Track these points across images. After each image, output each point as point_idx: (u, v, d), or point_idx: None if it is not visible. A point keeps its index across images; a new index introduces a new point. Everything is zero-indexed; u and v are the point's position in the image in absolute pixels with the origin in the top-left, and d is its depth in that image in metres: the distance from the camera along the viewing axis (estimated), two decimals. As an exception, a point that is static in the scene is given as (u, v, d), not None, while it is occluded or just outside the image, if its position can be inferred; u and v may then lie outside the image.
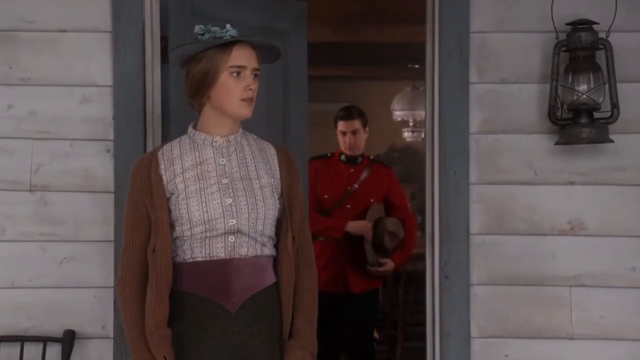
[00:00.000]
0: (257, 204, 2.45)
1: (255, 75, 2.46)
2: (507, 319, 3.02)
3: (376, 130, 5.72)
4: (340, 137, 4.55)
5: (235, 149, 2.50)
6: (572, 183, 3.02)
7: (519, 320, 3.02)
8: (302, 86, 3.50)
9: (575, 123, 2.93)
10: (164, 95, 3.03)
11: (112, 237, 2.96)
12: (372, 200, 4.44)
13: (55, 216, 2.99)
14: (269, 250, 2.49)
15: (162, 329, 2.40)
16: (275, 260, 2.51)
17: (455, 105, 3.04)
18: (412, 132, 7.75)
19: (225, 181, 2.45)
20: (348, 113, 4.55)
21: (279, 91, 3.40)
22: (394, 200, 4.52)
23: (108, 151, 2.99)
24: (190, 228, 2.42)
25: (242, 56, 2.43)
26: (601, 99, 2.93)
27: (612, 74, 2.92)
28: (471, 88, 3.03)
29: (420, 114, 7.40)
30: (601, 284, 3.00)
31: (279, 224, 2.51)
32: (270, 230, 2.49)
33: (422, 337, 3.72)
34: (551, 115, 2.96)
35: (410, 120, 7.68)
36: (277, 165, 2.53)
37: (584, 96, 2.90)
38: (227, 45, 2.43)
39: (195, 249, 2.44)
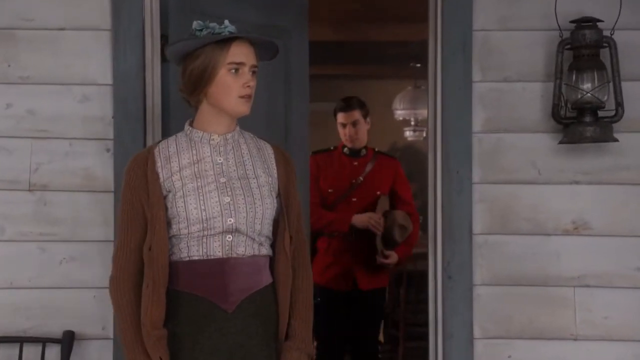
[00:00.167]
0: (255, 203, 2.43)
1: (254, 72, 2.44)
2: (510, 319, 3.00)
3: (377, 129, 5.69)
4: (340, 129, 4.44)
5: (233, 147, 2.48)
6: (576, 182, 3.00)
7: (523, 321, 3.00)
8: (304, 85, 3.48)
9: (580, 122, 2.91)
10: (164, 94, 3.01)
11: (111, 237, 2.93)
12: (378, 192, 4.35)
13: (55, 216, 2.97)
14: (266, 250, 2.48)
15: (158, 329, 2.38)
16: (272, 260, 2.49)
17: (458, 104, 3.02)
18: (414, 131, 7.73)
19: (222, 180, 2.43)
20: (347, 104, 4.43)
21: (280, 90, 3.38)
22: (400, 193, 4.41)
23: (108, 150, 2.98)
24: (188, 226, 2.40)
25: (240, 53, 2.41)
26: (605, 98, 2.91)
27: (616, 72, 2.90)
28: (474, 87, 3.01)
29: (422, 113, 7.39)
30: (605, 285, 2.98)
31: (276, 224, 2.49)
32: (267, 229, 2.47)
33: (424, 337, 3.71)
34: (555, 114, 2.94)
35: (412, 119, 7.67)
36: (274, 164, 2.51)
37: (588, 95, 2.88)
38: (225, 41, 2.41)
39: (192, 248, 2.41)
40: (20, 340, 2.91)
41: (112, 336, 2.94)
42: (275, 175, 2.50)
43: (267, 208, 2.45)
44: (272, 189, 2.48)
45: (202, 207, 2.40)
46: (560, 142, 2.96)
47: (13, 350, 2.92)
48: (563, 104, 2.94)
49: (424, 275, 4.26)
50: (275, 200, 2.49)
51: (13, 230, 2.97)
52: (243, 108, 2.44)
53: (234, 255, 2.41)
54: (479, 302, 3.00)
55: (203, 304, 2.40)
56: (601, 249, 2.99)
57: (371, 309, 4.38)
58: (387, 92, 7.83)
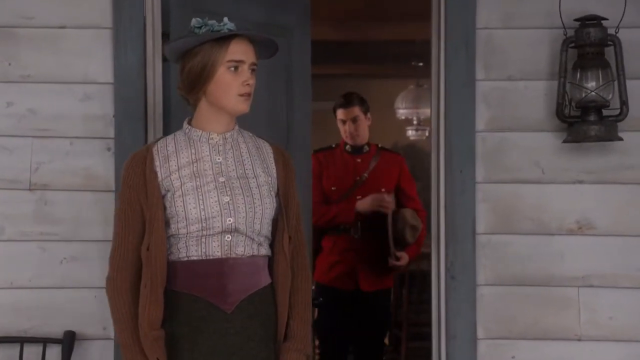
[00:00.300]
0: (254, 203, 2.41)
1: (253, 70, 2.42)
2: (514, 320, 2.98)
3: (379, 128, 5.67)
4: (340, 126, 4.36)
5: (232, 146, 2.47)
6: (580, 182, 2.99)
7: (526, 322, 2.98)
8: (306, 84, 3.47)
9: (584, 121, 2.89)
10: (166, 92, 2.99)
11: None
12: (383, 189, 4.27)
13: (55, 215, 2.96)
14: (265, 250, 2.46)
15: (156, 329, 2.36)
16: (271, 260, 2.48)
17: (461, 102, 3.01)
18: (416, 130, 7.72)
19: (221, 179, 2.42)
20: (347, 100, 4.34)
21: (282, 89, 3.37)
22: (406, 189, 4.33)
23: (109, 149, 2.96)
24: (186, 226, 2.39)
25: (240, 50, 2.39)
26: (610, 96, 2.89)
27: (621, 71, 2.88)
28: (477, 85, 3.00)
29: (425, 112, 7.37)
30: (610, 285, 2.97)
31: (275, 224, 2.48)
32: (267, 229, 2.46)
33: (427, 338, 3.69)
34: (559, 112, 2.92)
35: (415, 118, 7.65)
36: (273, 164, 2.50)
37: (593, 93, 2.86)
38: (225, 39, 2.39)
39: (191, 248, 2.40)
40: (21, 341, 2.90)
41: (113, 336, 2.92)
42: (275, 175, 2.49)
43: (266, 208, 2.43)
44: (271, 189, 2.47)
45: (202, 207, 2.38)
46: (564, 141, 2.94)
47: (14, 350, 2.90)
48: (567, 103, 2.92)
49: (426, 275, 4.24)
50: (274, 200, 2.47)
51: (13, 229, 2.95)
52: (242, 106, 2.42)
53: (233, 255, 2.40)
54: (483, 302, 2.99)
55: (201, 305, 2.38)
56: (605, 248, 2.97)
57: (374, 310, 4.31)
58: (389, 91, 7.81)
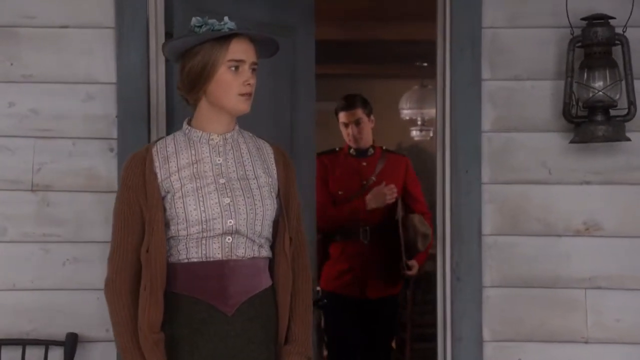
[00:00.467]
0: (255, 204, 2.40)
1: (254, 70, 2.40)
2: (520, 322, 2.96)
3: (383, 129, 5.65)
4: (342, 129, 4.25)
5: (232, 147, 2.45)
6: (587, 182, 2.96)
7: (533, 324, 2.96)
8: (310, 84, 3.45)
9: (591, 121, 2.87)
10: (169, 92, 2.98)
11: (115, 238, 2.90)
12: (386, 185, 4.15)
13: (58, 216, 2.94)
14: (265, 252, 2.45)
15: (156, 332, 2.34)
16: (271, 262, 2.46)
17: (466, 102, 2.99)
18: (421, 130, 7.70)
19: (222, 181, 2.40)
20: (349, 102, 4.23)
21: (286, 89, 3.35)
22: (413, 191, 4.25)
23: (111, 150, 2.94)
24: (187, 227, 2.37)
25: (240, 50, 2.37)
26: (618, 96, 2.87)
27: (629, 70, 2.86)
28: (483, 85, 2.97)
29: (429, 112, 7.35)
30: (617, 286, 2.94)
31: (275, 225, 2.46)
32: (267, 231, 2.44)
33: (431, 339, 3.67)
34: (566, 112, 2.90)
35: (419, 118, 7.63)
36: (273, 164, 2.48)
37: (600, 93, 2.84)
38: (225, 38, 2.37)
39: (191, 249, 2.38)
40: (23, 343, 2.88)
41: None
42: (275, 176, 2.47)
43: (267, 209, 2.42)
44: (272, 190, 2.45)
45: (202, 208, 2.36)
46: (571, 142, 2.92)
47: (15, 352, 2.89)
48: (574, 103, 2.90)
49: (430, 276, 4.21)
50: (275, 201, 2.45)
51: (15, 231, 2.94)
52: (243, 106, 2.40)
53: (234, 257, 2.38)
54: (489, 304, 2.96)
55: (202, 307, 2.36)
56: (613, 250, 2.95)
57: (382, 317, 4.24)
58: (393, 92, 7.79)
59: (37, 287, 2.93)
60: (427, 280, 5.30)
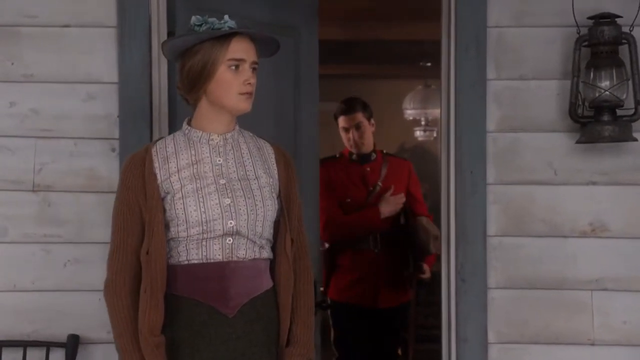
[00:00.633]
0: (256, 205, 2.37)
1: (254, 69, 2.38)
2: (525, 324, 2.94)
3: (386, 130, 5.63)
4: (343, 134, 4.14)
5: (232, 147, 2.43)
6: (593, 183, 2.94)
7: (538, 326, 2.94)
8: (313, 84, 3.43)
9: (597, 121, 2.84)
10: (171, 92, 2.96)
11: (117, 239, 2.88)
12: (395, 193, 4.07)
13: (59, 217, 2.92)
14: (266, 253, 2.42)
15: (156, 335, 2.32)
16: (273, 263, 2.43)
17: (471, 102, 2.96)
18: (424, 131, 7.68)
19: (222, 181, 2.38)
20: (349, 106, 4.12)
21: (289, 89, 3.33)
22: (415, 194, 4.17)
23: (113, 150, 2.93)
24: (187, 229, 2.34)
25: (240, 49, 2.35)
26: (624, 96, 2.85)
27: (635, 70, 2.84)
28: (488, 85, 2.95)
29: (433, 112, 7.33)
30: (624, 288, 2.92)
31: (276, 226, 2.44)
32: (268, 232, 2.42)
33: (435, 340, 3.65)
34: (572, 112, 2.88)
35: (423, 119, 7.61)
36: (274, 164, 2.46)
37: (607, 93, 2.82)
38: (225, 37, 2.35)
39: (191, 251, 2.35)
40: (24, 345, 2.86)
41: (116, 341, 2.89)
42: (276, 176, 2.45)
43: (268, 210, 2.39)
44: (272, 190, 2.43)
45: (202, 209, 2.34)
46: (578, 142, 2.89)
47: (16, 354, 2.87)
48: (580, 103, 2.88)
49: (434, 277, 4.17)
50: (276, 202, 2.43)
51: (16, 231, 2.92)
52: (244, 105, 2.37)
53: (235, 258, 2.36)
54: (494, 305, 2.94)
55: (203, 309, 2.34)
56: (619, 251, 2.93)
57: (392, 326, 4.15)
58: (396, 92, 7.77)
59: (38, 288, 2.91)
60: (431, 281, 5.28)
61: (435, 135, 7.61)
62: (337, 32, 5.97)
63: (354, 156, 4.17)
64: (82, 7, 2.92)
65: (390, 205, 4.05)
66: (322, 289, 3.95)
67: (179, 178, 2.37)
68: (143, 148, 2.44)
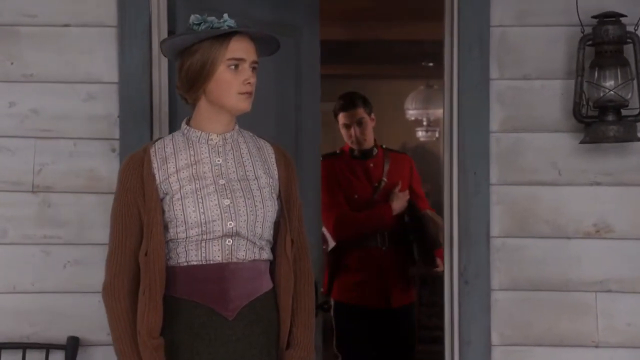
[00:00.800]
0: (256, 206, 2.35)
1: (254, 69, 2.36)
2: (529, 326, 2.92)
3: (388, 130, 5.61)
4: (343, 131, 4.05)
5: (232, 147, 2.41)
6: (598, 184, 2.92)
7: (542, 327, 2.92)
8: (315, 84, 3.42)
9: (602, 121, 2.82)
10: (172, 92, 2.94)
11: (117, 240, 2.86)
12: (402, 189, 4.00)
13: (59, 218, 2.91)
14: (266, 255, 2.40)
15: (155, 338, 2.30)
16: (272, 264, 2.41)
17: (474, 102, 2.94)
18: (426, 131, 7.67)
19: (221, 182, 2.36)
20: (349, 102, 3.99)
21: (290, 89, 3.32)
22: (417, 190, 4.10)
23: (113, 150, 2.91)
24: (186, 230, 2.32)
25: (240, 48, 2.33)
26: (629, 96, 2.83)
27: (640, 69, 2.81)
28: (491, 84, 2.93)
29: (435, 112, 7.33)
30: (629, 290, 2.90)
31: (276, 227, 2.42)
32: (268, 233, 2.39)
33: (437, 341, 3.63)
34: (576, 112, 2.86)
35: (424, 119, 7.60)
36: (274, 165, 2.44)
37: (611, 92, 2.80)
38: (225, 36, 2.33)
39: (191, 252, 2.33)
40: (23, 347, 2.85)
41: (117, 343, 2.87)
42: (276, 176, 2.43)
43: (268, 211, 2.37)
44: (272, 191, 2.41)
45: (201, 210, 2.32)
46: (582, 142, 2.87)
47: (16, 356, 2.85)
48: (584, 102, 2.86)
49: (436, 277, 4.15)
50: (276, 203, 2.41)
51: (16, 232, 2.91)
52: (244, 105, 2.35)
53: (234, 260, 2.34)
54: (497, 307, 2.92)
55: (202, 311, 2.32)
56: (624, 252, 2.91)
57: (403, 326, 4.06)
58: (398, 92, 7.76)
59: (38, 289, 2.90)
60: (434, 282, 5.27)
61: (437, 135, 7.60)
62: (338, 32, 5.96)
63: (356, 152, 4.09)
64: (82, 7, 2.91)
65: (401, 201, 3.99)
66: (322, 289, 3.89)
67: (178, 179, 2.35)
68: (141, 148, 2.42)
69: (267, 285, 2.40)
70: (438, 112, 7.29)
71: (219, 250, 2.33)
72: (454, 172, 2.98)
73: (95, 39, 2.91)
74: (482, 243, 2.92)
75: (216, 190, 2.35)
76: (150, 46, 2.90)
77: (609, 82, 2.80)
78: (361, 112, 4.03)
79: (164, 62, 2.92)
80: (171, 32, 2.93)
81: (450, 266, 3.00)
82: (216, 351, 2.31)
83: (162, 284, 2.31)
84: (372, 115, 4.09)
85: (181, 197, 2.33)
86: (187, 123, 2.42)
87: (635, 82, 2.82)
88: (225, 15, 2.34)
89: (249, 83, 2.33)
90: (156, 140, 2.45)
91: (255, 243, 2.37)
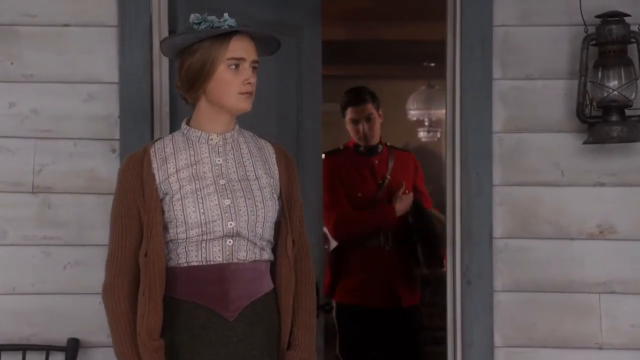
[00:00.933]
0: (256, 206, 2.34)
1: (254, 68, 2.35)
2: (532, 327, 2.90)
3: (389, 130, 5.59)
4: (351, 126, 3.98)
5: (232, 147, 2.39)
6: (601, 184, 2.90)
7: (546, 329, 2.90)
8: (316, 84, 3.41)
9: (605, 121, 2.81)
10: (172, 92, 2.93)
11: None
12: (407, 191, 3.94)
13: (59, 219, 2.89)
14: (267, 255, 2.39)
15: (155, 339, 2.28)
16: (273, 265, 2.40)
17: (477, 102, 2.93)
18: (428, 131, 7.66)
19: (222, 182, 2.35)
20: (358, 97, 3.92)
21: (292, 89, 3.31)
22: (422, 189, 4.04)
23: (114, 151, 2.90)
24: (186, 230, 2.31)
25: (240, 48, 2.31)
26: (633, 96, 2.81)
27: (644, 69, 2.80)
28: (494, 85, 2.92)
29: (436, 113, 7.32)
30: (632, 291, 2.88)
31: (277, 227, 2.40)
32: (269, 233, 2.38)
33: (439, 342, 3.61)
34: (579, 112, 2.84)
35: (426, 119, 7.59)
36: (275, 164, 2.43)
37: (615, 92, 2.78)
38: (225, 36, 2.31)
39: (191, 253, 2.32)
40: (23, 348, 2.83)
41: (117, 344, 2.86)
42: (277, 176, 2.41)
43: (269, 211, 2.36)
44: (273, 191, 2.40)
45: (201, 210, 2.30)
46: (585, 142, 2.86)
47: (16, 358, 2.84)
48: (588, 103, 2.84)
49: (439, 278, 4.12)
50: (277, 203, 2.40)
51: (16, 233, 2.89)
52: (244, 105, 2.34)
53: (235, 260, 2.32)
54: (500, 309, 2.91)
55: (203, 312, 2.30)
56: (628, 253, 2.89)
57: (413, 326, 3.99)
58: (400, 92, 7.75)
59: (38, 291, 2.89)
60: (436, 282, 5.24)
61: (438, 136, 7.59)
62: (338, 33, 5.95)
63: (361, 148, 4.00)
64: (82, 6, 2.89)
65: (404, 203, 3.93)
66: (323, 291, 3.86)
67: (178, 179, 2.33)
68: (141, 148, 2.41)
69: (267, 285, 2.38)
70: (439, 113, 7.29)
71: (219, 250, 2.32)
72: (457, 173, 2.96)
73: (96, 39, 2.90)
74: (484, 244, 2.90)
75: (216, 190, 2.33)
76: (150, 46, 2.89)
77: (612, 82, 2.79)
78: (370, 107, 3.97)
79: (165, 62, 2.90)
80: (172, 32, 2.92)
81: (453, 267, 2.98)
82: (217, 352, 2.30)
83: (162, 284, 2.30)
84: (380, 112, 4.02)
85: (181, 197, 2.32)
86: (187, 123, 2.41)
87: (639, 82, 2.80)
88: (226, 15, 2.33)
89: (249, 83, 2.32)
90: (156, 141, 2.43)
91: (256, 243, 2.35)
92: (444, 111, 3.70)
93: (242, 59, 2.32)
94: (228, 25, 2.32)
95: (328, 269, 4.02)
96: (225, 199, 2.33)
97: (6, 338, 2.86)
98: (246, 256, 2.34)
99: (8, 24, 2.89)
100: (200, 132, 2.38)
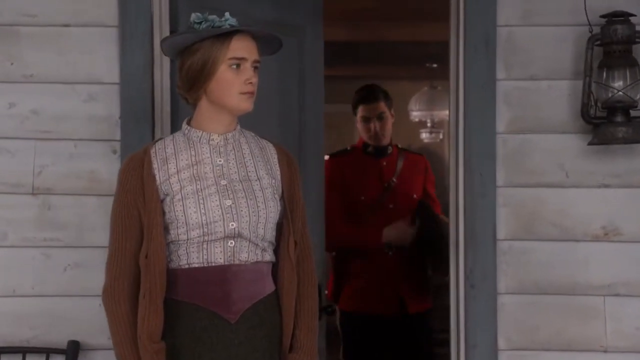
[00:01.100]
0: (258, 207, 2.32)
1: (256, 68, 2.33)
2: (536, 330, 2.88)
3: (392, 131, 5.56)
4: (362, 125, 3.81)
5: (234, 147, 2.38)
6: (606, 186, 2.88)
7: (550, 332, 2.88)
8: (318, 84, 3.40)
9: (610, 122, 2.79)
10: (173, 93, 2.92)
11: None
12: (414, 196, 3.79)
13: (59, 220, 2.88)
14: (269, 256, 2.37)
15: (156, 342, 2.27)
16: (275, 266, 2.38)
17: (481, 103, 2.91)
18: (430, 132, 7.64)
19: (223, 182, 2.33)
20: (371, 95, 3.78)
21: (294, 90, 3.29)
22: (431, 194, 3.90)
23: (114, 152, 2.88)
24: (187, 231, 2.29)
25: (242, 47, 2.30)
26: (638, 96, 2.79)
27: (649, 70, 2.78)
28: (498, 85, 2.90)
29: (439, 114, 7.30)
30: (637, 293, 2.86)
31: (279, 228, 2.39)
32: (271, 234, 2.37)
33: (442, 344, 3.58)
34: (584, 113, 2.82)
35: (429, 120, 7.57)
36: (277, 165, 2.41)
37: (620, 93, 2.76)
38: (226, 35, 2.30)
39: (192, 254, 2.30)
40: (23, 351, 2.82)
41: (118, 347, 2.84)
42: (279, 177, 2.40)
43: (270, 211, 2.34)
44: (275, 191, 2.38)
45: (202, 211, 2.29)
46: (590, 143, 2.84)
47: (16, 360, 2.83)
48: (593, 103, 2.82)
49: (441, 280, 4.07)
50: (279, 203, 2.38)
51: (16, 235, 2.88)
52: (245, 105, 2.32)
53: (236, 261, 2.31)
54: (504, 311, 2.89)
55: (204, 314, 2.29)
56: (632, 255, 2.87)
57: (419, 333, 3.86)
58: (402, 93, 7.72)
59: (38, 293, 2.87)
60: (439, 284, 5.21)
61: (441, 137, 7.57)
62: (340, 33, 5.93)
63: (370, 148, 3.87)
64: (82, 6, 2.88)
65: (395, 231, 3.76)
66: (326, 292, 3.82)
67: (179, 179, 2.32)
68: (142, 149, 2.40)
69: (269, 287, 2.37)
70: (442, 114, 7.27)
71: (220, 252, 2.30)
72: (460, 174, 2.94)
73: (96, 39, 2.88)
74: (488, 246, 2.88)
75: (218, 190, 2.32)
76: (151, 46, 2.88)
77: (617, 83, 2.77)
78: (382, 106, 3.85)
79: (166, 62, 2.89)
80: (173, 32, 2.90)
81: (456, 269, 2.96)
82: (218, 355, 2.29)
83: (163, 286, 2.28)
84: (392, 111, 3.92)
85: (182, 197, 2.30)
86: (188, 123, 2.40)
87: (644, 82, 2.79)
88: (227, 14, 2.32)
89: (250, 83, 2.31)
90: (156, 141, 2.42)
91: (257, 244, 2.34)
92: (446, 112, 3.67)
93: (243, 59, 2.30)
94: (229, 24, 2.30)
95: (331, 273, 3.96)
96: (226, 199, 2.31)
97: (6, 340, 2.85)
98: (248, 257, 2.32)
99: (8, 24, 2.88)
100: (201, 132, 2.36)
